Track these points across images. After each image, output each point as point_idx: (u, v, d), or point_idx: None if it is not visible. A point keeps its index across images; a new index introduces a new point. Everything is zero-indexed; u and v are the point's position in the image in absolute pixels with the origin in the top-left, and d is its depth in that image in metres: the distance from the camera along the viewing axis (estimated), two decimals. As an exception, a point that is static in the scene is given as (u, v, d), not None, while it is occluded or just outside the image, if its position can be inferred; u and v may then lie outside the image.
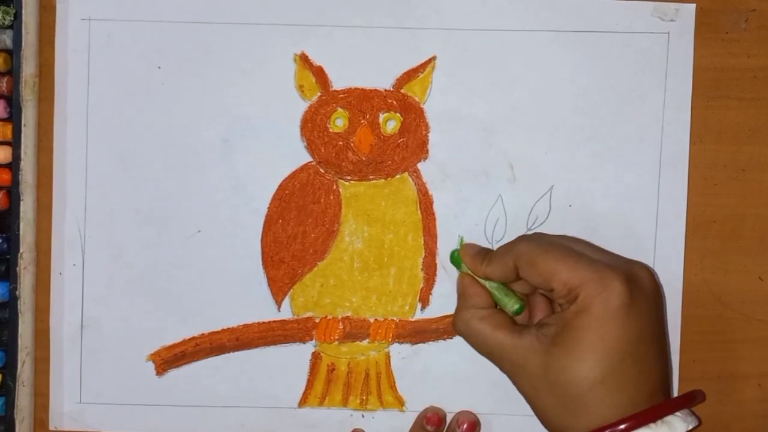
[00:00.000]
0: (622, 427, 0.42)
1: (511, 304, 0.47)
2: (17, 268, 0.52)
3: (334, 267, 0.52)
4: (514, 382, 0.47)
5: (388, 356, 0.53)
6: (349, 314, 0.53)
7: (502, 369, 0.47)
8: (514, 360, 0.45)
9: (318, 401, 0.53)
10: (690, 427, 0.43)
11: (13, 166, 0.51)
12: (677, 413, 0.43)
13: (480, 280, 0.49)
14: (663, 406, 0.43)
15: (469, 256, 0.49)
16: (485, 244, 0.52)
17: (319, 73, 0.52)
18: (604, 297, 0.43)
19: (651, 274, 0.46)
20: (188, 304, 0.53)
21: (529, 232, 0.51)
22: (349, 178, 0.52)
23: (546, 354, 0.44)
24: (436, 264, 0.52)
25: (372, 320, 0.53)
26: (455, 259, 0.50)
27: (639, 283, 0.44)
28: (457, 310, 0.49)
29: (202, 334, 0.53)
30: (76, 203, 0.52)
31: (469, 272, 0.49)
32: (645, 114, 0.52)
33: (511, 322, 0.47)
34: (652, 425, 0.43)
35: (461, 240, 0.51)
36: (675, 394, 0.52)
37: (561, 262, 0.44)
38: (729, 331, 0.52)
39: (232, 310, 0.53)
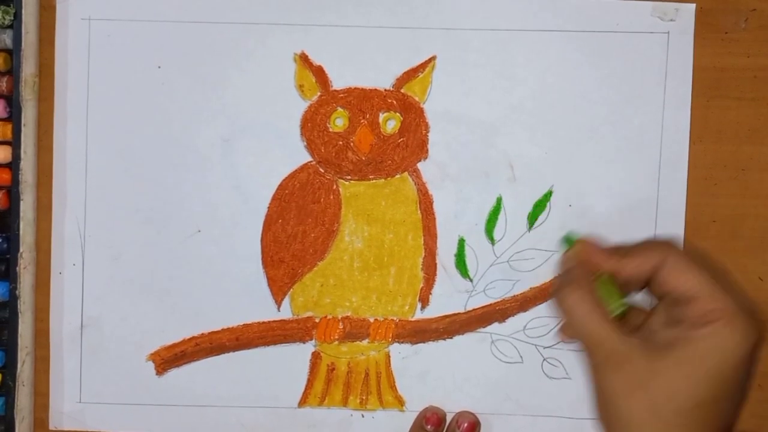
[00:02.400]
0: None
1: (616, 306, 0.45)
2: (17, 268, 0.52)
3: (334, 267, 0.52)
4: (600, 375, 0.44)
5: (388, 356, 0.53)
6: (349, 314, 0.53)
7: (591, 355, 0.45)
8: (613, 356, 0.44)
9: (318, 401, 0.53)
10: None
11: (13, 165, 0.51)
12: None
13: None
14: None
15: (595, 250, 0.46)
16: (485, 244, 0.52)
17: (319, 73, 0.52)
18: (743, 334, 0.43)
19: None
20: (188, 304, 0.53)
21: (666, 237, 0.48)
22: (349, 177, 0.52)
23: (653, 360, 0.43)
24: (436, 264, 0.52)
25: (372, 320, 0.53)
26: (568, 241, 0.48)
27: (765, 330, 0.44)
28: (569, 284, 0.46)
29: (202, 334, 0.53)
30: (76, 203, 0.52)
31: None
32: (645, 114, 0.52)
33: (614, 318, 0.45)
34: None
35: (568, 239, 0.49)
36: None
37: (714, 284, 0.43)
38: (729, 331, 0.52)
39: (232, 310, 0.53)
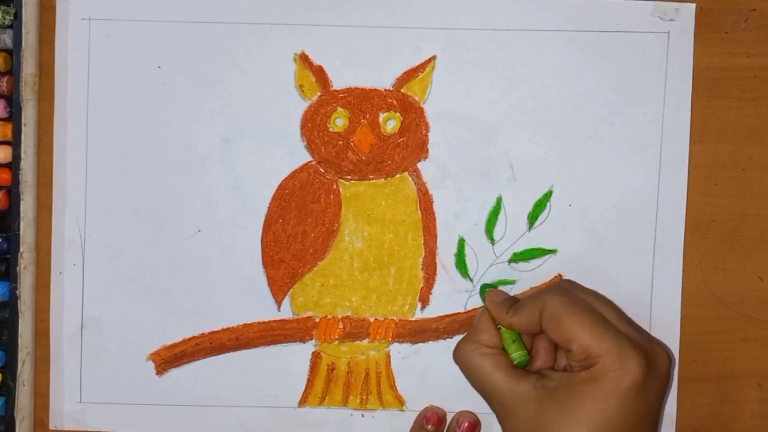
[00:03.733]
0: None
1: (517, 356, 0.48)
2: (17, 268, 0.52)
3: (334, 266, 0.52)
4: (500, 423, 0.47)
5: (388, 356, 0.53)
6: (349, 314, 0.53)
7: (491, 407, 0.47)
8: (506, 403, 0.46)
9: (318, 401, 0.53)
10: None
11: (13, 165, 0.51)
12: None
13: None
14: None
15: (495, 304, 0.49)
16: (485, 243, 0.52)
17: (319, 73, 0.52)
18: (619, 375, 0.43)
19: (669, 358, 0.46)
20: (188, 303, 0.53)
21: (562, 280, 0.51)
22: (349, 177, 0.52)
23: (540, 405, 0.44)
24: (436, 263, 0.52)
25: (372, 320, 0.53)
26: (482, 291, 0.51)
27: (655, 367, 0.44)
28: (463, 340, 0.49)
29: (202, 334, 0.53)
30: (76, 203, 0.52)
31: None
32: (645, 114, 0.52)
33: (511, 365, 0.47)
34: None
35: (483, 289, 0.51)
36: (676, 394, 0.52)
37: (587, 328, 0.44)
38: (729, 331, 0.53)
39: (232, 310, 0.53)
